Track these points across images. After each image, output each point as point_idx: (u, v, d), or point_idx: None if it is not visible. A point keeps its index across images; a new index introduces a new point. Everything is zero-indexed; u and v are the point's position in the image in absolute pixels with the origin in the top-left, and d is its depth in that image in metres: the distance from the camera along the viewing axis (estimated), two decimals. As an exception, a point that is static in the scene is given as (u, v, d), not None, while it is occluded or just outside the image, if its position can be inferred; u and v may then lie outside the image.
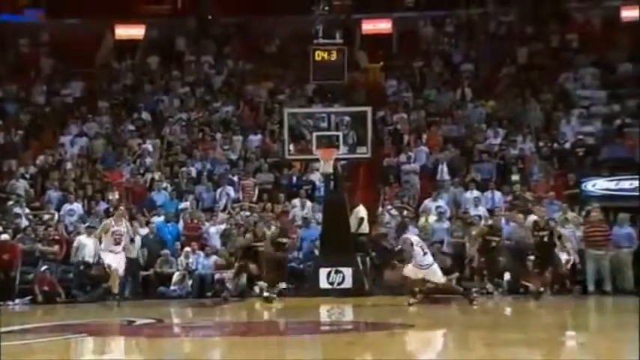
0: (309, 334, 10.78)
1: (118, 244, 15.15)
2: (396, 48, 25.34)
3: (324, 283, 16.10)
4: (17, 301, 16.33)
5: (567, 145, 19.95)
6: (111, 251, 15.13)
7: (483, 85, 23.01)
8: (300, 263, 17.23)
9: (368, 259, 16.56)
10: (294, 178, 19.78)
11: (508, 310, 14.47)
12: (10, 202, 18.63)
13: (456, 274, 16.45)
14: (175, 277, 16.70)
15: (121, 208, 16.12)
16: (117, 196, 18.60)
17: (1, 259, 16.62)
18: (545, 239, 15.06)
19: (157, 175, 19.81)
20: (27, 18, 25.81)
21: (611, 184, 18.20)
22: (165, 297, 16.41)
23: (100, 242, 15.56)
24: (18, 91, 23.63)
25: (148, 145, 21.18)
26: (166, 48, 25.39)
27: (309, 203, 18.56)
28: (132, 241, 15.85)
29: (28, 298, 16.44)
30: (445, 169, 19.54)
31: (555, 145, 20.10)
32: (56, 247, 17.16)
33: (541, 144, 20.24)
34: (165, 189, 19.29)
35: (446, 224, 17.50)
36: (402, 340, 9.93)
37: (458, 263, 16.61)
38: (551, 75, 22.69)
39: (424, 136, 21.09)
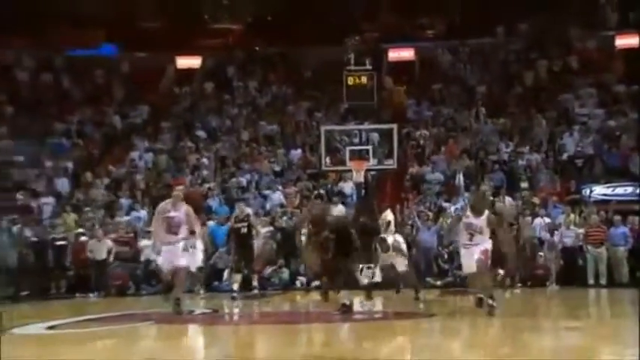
0: (344, 322, 10.73)
1: (173, 232, 11.22)
2: (418, 73, 25.23)
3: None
4: (95, 293, 16.53)
5: (569, 156, 19.76)
6: (166, 243, 11.24)
7: (495, 104, 22.81)
8: (336, 260, 17.12)
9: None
10: (330, 187, 19.73)
11: (521, 301, 14.30)
12: (87, 209, 18.84)
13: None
14: (226, 274, 16.67)
15: (179, 188, 12.32)
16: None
17: (82, 258, 16.82)
18: None
19: (211, 185, 19.91)
20: (102, 52, 26.11)
21: (608, 190, 17.98)
22: (218, 290, 16.42)
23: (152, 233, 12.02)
24: (94, 114, 23.89)
25: (204, 159, 21.31)
26: (219, 75, 25.53)
27: (342, 208, 18.47)
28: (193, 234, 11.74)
29: (103, 291, 16.60)
30: (461, 177, 19.40)
31: (558, 156, 19.93)
32: (126, 248, 17.29)
33: (545, 155, 20.06)
34: (219, 197, 19.36)
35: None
36: (425, 327, 9.87)
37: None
38: (554, 95, 22.46)
39: (443, 149, 20.97)
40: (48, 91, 24.31)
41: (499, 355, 7.59)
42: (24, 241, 16.67)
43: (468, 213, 10.47)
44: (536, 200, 17.91)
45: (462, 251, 10.51)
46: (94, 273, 16.73)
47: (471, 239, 10.30)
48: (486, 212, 10.45)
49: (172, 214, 11.20)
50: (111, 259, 16.79)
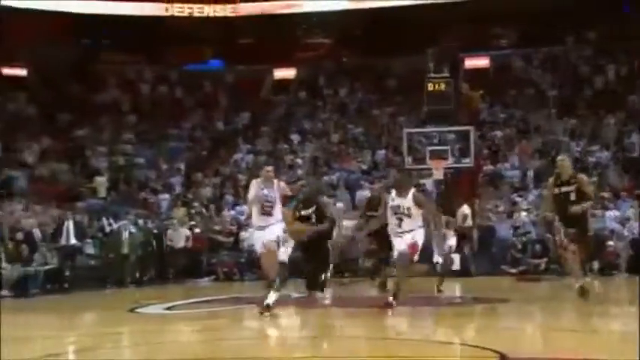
0: (426, 307, 10.65)
1: (267, 214, 10.12)
2: (492, 79, 24.72)
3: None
4: (205, 278, 16.93)
5: (636, 154, 19.03)
6: (260, 227, 10.23)
7: (566, 106, 22.14)
8: (418, 250, 16.98)
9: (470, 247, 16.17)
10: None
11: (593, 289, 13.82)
12: (195, 204, 19.30)
13: (545, 259, 15.92)
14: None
15: (268, 168, 10.73)
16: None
17: (194, 246, 17.25)
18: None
19: (305, 183, 20.02)
20: (210, 66, 26.74)
21: (674, 185, 17.24)
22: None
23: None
24: (203, 121, 24.48)
25: (298, 160, 21.51)
26: (311, 84, 25.71)
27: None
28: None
29: (213, 276, 16.97)
30: (531, 174, 18.94)
31: (627, 153, 19.20)
32: (232, 238, 17.61)
33: (614, 153, 19.36)
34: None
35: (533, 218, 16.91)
36: (500, 312, 9.70)
37: (544, 250, 16.06)
38: (622, 97, 21.64)
39: (516, 148, 20.50)
40: (164, 101, 25.07)
41: (566, 337, 7.39)
42: (146, 231, 17.24)
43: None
44: (605, 195, 17.32)
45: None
46: (173, 260, 16.93)
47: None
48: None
49: (265, 191, 10.17)
50: (189, 245, 16.89)
